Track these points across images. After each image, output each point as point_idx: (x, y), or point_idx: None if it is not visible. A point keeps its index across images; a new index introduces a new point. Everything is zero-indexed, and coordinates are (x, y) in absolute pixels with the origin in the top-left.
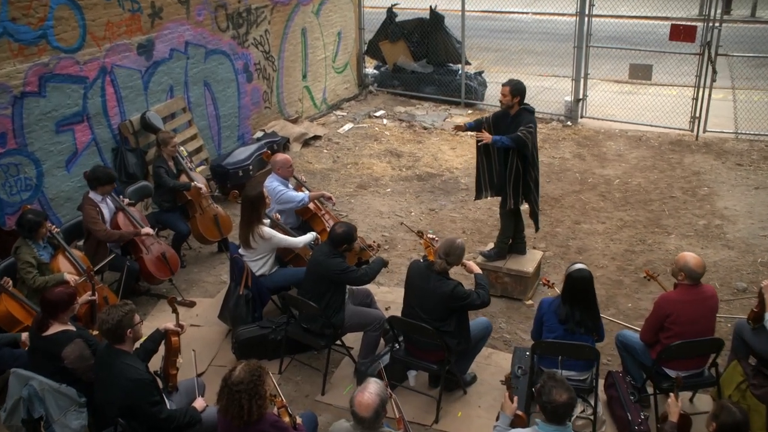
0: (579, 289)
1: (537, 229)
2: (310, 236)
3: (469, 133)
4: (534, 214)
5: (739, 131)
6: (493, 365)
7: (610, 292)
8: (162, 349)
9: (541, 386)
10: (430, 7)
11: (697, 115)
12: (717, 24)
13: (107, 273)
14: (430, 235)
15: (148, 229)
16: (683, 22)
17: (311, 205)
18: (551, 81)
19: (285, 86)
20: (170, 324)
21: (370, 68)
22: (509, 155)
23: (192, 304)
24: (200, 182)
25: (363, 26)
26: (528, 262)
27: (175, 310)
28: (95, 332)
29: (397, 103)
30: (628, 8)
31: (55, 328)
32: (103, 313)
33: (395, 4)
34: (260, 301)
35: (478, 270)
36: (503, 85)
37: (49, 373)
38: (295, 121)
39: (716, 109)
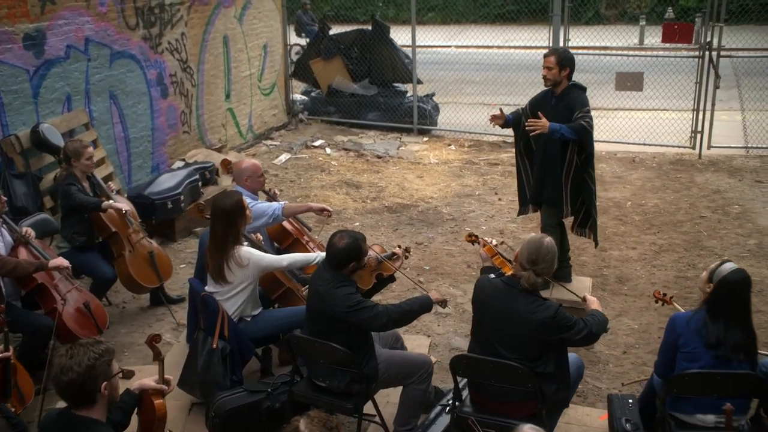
0: (738, 297)
1: (597, 243)
2: (315, 256)
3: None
4: (594, 225)
5: (749, 145)
6: (575, 423)
7: None
8: (135, 420)
9: None
10: (373, 15)
11: (699, 129)
12: (718, 22)
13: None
14: (488, 239)
15: (60, 260)
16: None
17: (289, 227)
18: (508, 108)
19: (206, 106)
20: (150, 380)
21: (297, 94)
22: (567, 150)
23: (130, 374)
24: (124, 205)
25: (289, 42)
26: (578, 291)
27: (158, 357)
28: (14, 408)
29: (336, 133)
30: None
31: None
32: (62, 355)
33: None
34: (241, 357)
35: (597, 307)
36: (545, 56)
37: None
38: (219, 151)
39: (716, 128)
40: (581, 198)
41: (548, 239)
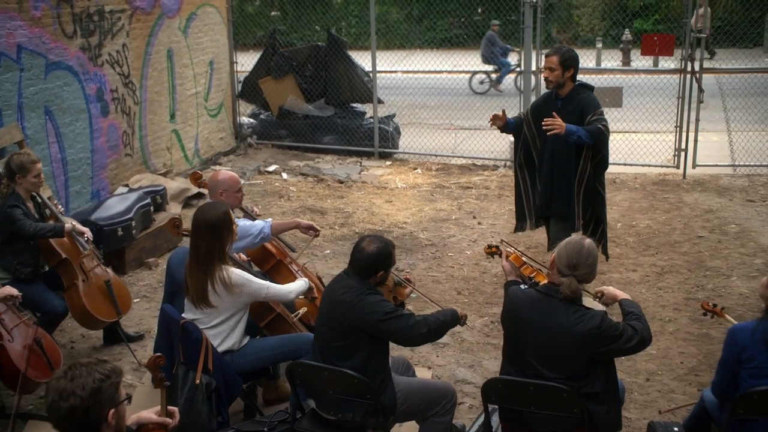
0: None
1: (607, 257)
2: (302, 283)
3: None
4: (604, 235)
5: (736, 163)
6: None
7: (703, 349)
8: None
9: None
10: (328, 30)
11: (683, 147)
12: (701, 32)
13: None
14: (511, 249)
15: (8, 289)
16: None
17: (272, 248)
18: (469, 132)
19: (149, 127)
20: (150, 413)
21: (244, 117)
22: (580, 158)
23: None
24: (86, 229)
25: (236, 59)
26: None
27: (161, 382)
28: None
29: (289, 157)
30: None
31: None
32: (60, 378)
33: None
34: (227, 394)
35: (623, 294)
36: (547, 55)
37: None
38: (164, 176)
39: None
40: (592, 207)
41: (588, 241)
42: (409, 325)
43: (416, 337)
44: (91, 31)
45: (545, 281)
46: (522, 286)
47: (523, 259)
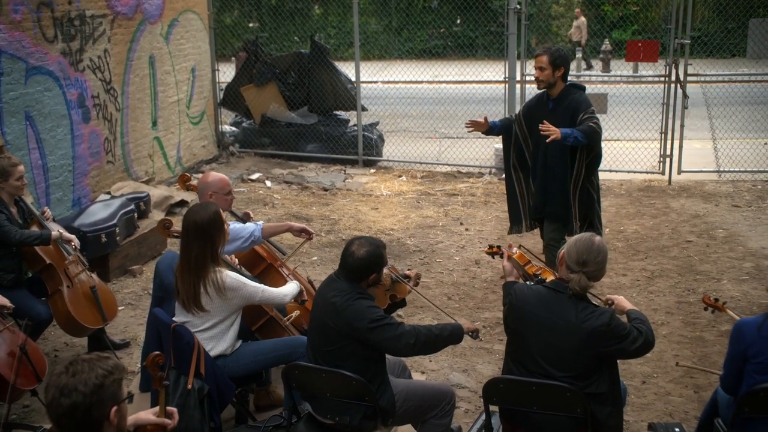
0: None
1: None
2: (294, 285)
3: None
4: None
5: (721, 169)
6: None
7: (698, 351)
8: None
9: None
10: (311, 37)
11: (668, 153)
12: (685, 38)
13: None
14: (515, 249)
15: (1, 299)
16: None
17: (262, 252)
18: (453, 140)
19: (131, 134)
20: (148, 413)
21: (226, 125)
22: (575, 157)
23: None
24: (66, 234)
25: (217, 67)
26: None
27: (159, 382)
28: None
29: (273, 166)
30: None
31: None
32: (61, 373)
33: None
34: (219, 399)
35: (630, 306)
36: (537, 54)
37: None
38: (147, 184)
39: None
40: (585, 209)
41: (598, 238)
42: (396, 334)
43: (403, 347)
44: (72, 35)
45: (551, 278)
46: (528, 283)
47: (528, 256)
